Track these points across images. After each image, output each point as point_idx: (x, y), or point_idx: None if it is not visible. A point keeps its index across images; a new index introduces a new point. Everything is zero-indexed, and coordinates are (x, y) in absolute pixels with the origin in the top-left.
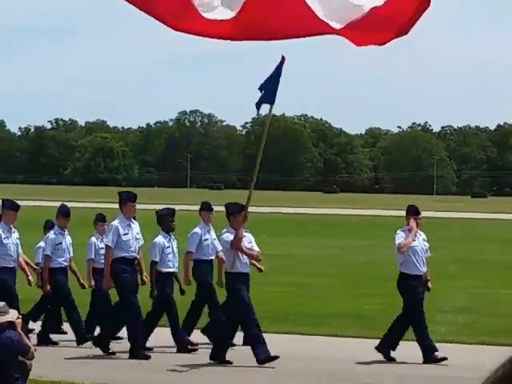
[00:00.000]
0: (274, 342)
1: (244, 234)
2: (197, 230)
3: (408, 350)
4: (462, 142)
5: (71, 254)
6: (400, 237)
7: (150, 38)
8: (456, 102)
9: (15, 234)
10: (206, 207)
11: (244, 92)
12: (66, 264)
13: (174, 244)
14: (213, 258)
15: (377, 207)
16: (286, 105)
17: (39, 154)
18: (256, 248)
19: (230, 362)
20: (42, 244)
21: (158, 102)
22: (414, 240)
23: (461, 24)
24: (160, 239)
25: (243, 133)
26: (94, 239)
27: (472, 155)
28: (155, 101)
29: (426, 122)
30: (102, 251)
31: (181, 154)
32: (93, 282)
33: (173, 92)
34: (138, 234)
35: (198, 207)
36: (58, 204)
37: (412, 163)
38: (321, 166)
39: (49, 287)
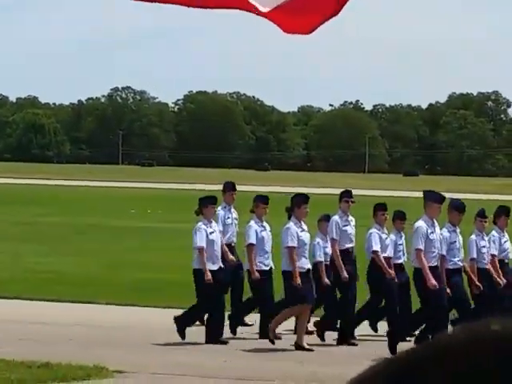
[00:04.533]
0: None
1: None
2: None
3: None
4: (393, 121)
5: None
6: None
7: (83, 14)
8: (388, 81)
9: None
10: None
11: (176, 69)
12: (462, 264)
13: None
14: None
15: (308, 185)
16: (219, 82)
17: None
18: None
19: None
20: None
21: (89, 78)
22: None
23: (391, 1)
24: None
25: (175, 110)
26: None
27: (404, 134)
28: (87, 77)
29: (358, 101)
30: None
31: (113, 130)
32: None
33: (105, 68)
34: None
35: (129, 184)
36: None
37: (344, 141)
38: (253, 144)
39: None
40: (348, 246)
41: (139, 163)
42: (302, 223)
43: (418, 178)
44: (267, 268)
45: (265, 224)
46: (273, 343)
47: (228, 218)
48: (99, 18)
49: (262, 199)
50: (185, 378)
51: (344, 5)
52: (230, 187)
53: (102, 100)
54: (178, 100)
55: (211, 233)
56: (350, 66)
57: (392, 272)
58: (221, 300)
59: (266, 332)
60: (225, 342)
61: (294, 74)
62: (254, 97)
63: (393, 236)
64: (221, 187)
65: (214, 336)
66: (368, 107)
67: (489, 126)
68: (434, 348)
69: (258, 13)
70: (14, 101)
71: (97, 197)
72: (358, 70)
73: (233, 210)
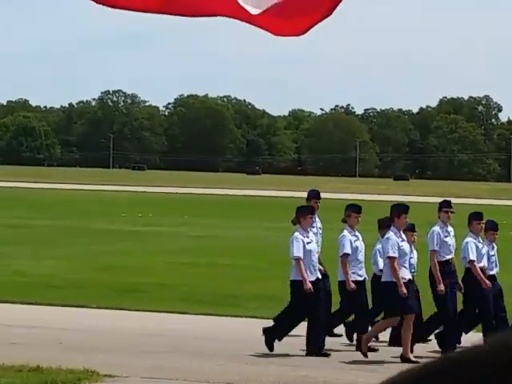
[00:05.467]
0: (192, 322)
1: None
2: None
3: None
4: (384, 125)
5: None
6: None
7: (74, 16)
8: (379, 85)
9: None
10: None
11: (167, 73)
12: None
13: None
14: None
15: (299, 189)
16: (210, 86)
17: None
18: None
19: None
20: (378, 247)
21: (80, 81)
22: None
23: (382, 6)
24: None
25: (166, 113)
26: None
27: (394, 138)
28: (78, 80)
29: (349, 105)
30: None
31: (103, 134)
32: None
33: (96, 72)
34: None
35: (121, 187)
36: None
37: (335, 145)
38: (243, 148)
39: None
40: (448, 257)
41: (130, 166)
42: (402, 233)
43: (408, 182)
44: (361, 278)
45: (357, 234)
46: (366, 356)
47: (313, 227)
48: (90, 22)
49: (354, 208)
50: (175, 382)
51: (338, 4)
52: (314, 195)
53: (93, 103)
54: (169, 104)
55: (308, 243)
56: (341, 71)
57: (488, 282)
58: (317, 312)
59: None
60: (327, 355)
61: (284, 78)
62: (244, 100)
63: (485, 247)
64: (213, 191)
65: (314, 348)
66: (359, 111)
67: (479, 130)
68: (446, 361)
69: (249, 19)
70: (5, 104)
71: (87, 200)
72: (348, 74)
73: (317, 218)
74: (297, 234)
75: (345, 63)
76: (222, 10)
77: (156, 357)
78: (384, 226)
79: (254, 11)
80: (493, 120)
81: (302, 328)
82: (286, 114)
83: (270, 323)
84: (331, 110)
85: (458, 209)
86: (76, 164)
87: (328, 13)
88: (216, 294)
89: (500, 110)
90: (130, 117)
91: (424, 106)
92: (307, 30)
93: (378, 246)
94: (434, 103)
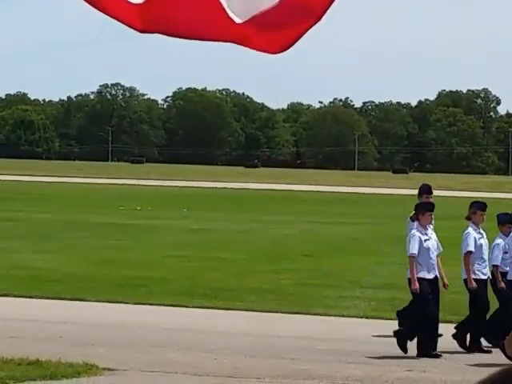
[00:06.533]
0: (191, 316)
1: None
2: None
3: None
4: (383, 118)
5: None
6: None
7: (72, 10)
8: (377, 78)
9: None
10: None
11: (165, 66)
12: None
13: None
14: None
15: (298, 182)
16: (208, 79)
17: None
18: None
19: None
20: (498, 242)
21: (79, 74)
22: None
23: (380, 0)
24: None
25: (164, 107)
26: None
27: (393, 131)
28: (76, 74)
29: (347, 98)
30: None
31: (102, 127)
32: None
33: (94, 65)
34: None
35: (120, 181)
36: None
37: (333, 139)
38: (242, 141)
39: None
40: None
41: (129, 160)
42: None
43: (407, 175)
44: (485, 277)
45: (482, 231)
46: None
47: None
48: (88, 15)
49: (479, 206)
50: (175, 375)
51: (326, 10)
52: (425, 190)
53: (92, 96)
54: (168, 97)
55: (426, 240)
56: (339, 63)
57: None
58: (432, 311)
59: (462, 341)
60: (438, 356)
61: (283, 71)
62: (243, 94)
63: None
64: (208, 184)
65: (425, 348)
66: (357, 104)
67: (478, 123)
68: None
69: (234, 36)
70: (3, 97)
71: (86, 193)
72: (347, 67)
73: None
74: (414, 231)
75: (343, 56)
76: (213, 35)
77: (155, 350)
78: (505, 222)
79: (238, 20)
80: (491, 113)
81: (300, 322)
82: (285, 107)
83: (271, 317)
84: (330, 103)
85: (457, 203)
86: (74, 157)
87: (316, 20)
88: (215, 288)
89: (499, 102)
90: (129, 110)
91: (423, 99)
92: (288, 47)
93: (498, 241)
94: (432, 96)
